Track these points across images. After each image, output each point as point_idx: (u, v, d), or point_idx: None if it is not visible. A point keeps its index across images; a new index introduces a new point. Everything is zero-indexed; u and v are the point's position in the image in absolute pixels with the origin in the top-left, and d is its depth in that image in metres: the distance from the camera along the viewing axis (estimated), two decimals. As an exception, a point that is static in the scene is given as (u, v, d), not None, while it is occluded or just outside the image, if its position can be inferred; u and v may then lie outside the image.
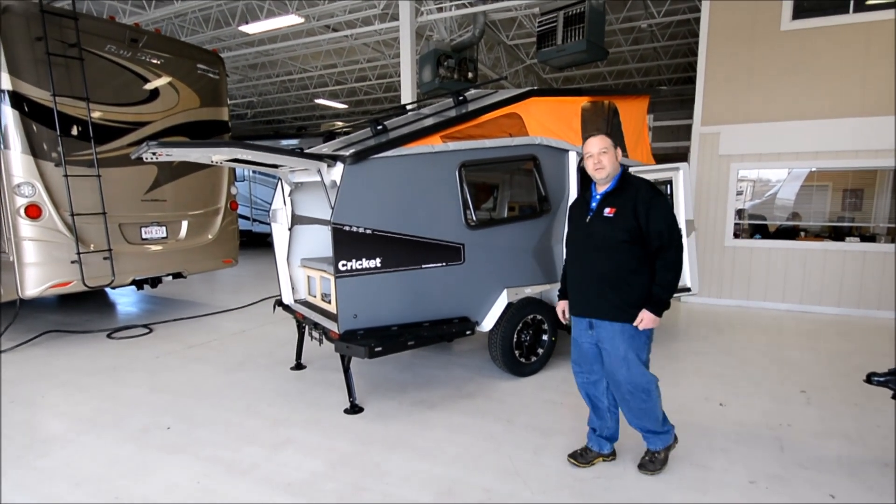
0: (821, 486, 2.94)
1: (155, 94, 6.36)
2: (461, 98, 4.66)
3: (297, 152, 3.67)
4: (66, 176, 5.42)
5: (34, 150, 5.27)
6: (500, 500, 2.80)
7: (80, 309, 7.41)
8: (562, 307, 3.17)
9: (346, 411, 3.90)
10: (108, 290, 7.40)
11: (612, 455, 3.20)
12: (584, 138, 2.88)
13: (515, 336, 4.46)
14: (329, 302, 4.24)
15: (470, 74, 10.75)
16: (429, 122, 4.24)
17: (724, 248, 7.60)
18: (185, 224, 6.73)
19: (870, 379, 3.03)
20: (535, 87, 4.57)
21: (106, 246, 5.76)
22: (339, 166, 3.62)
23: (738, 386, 4.45)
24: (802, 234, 8.32)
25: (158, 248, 6.42)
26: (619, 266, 2.75)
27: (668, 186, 5.42)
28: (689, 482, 2.97)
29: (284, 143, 16.19)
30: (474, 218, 4.14)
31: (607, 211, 2.78)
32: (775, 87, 7.12)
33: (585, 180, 4.98)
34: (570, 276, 3.04)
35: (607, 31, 10.22)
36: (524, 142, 4.39)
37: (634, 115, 5.51)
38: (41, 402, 4.13)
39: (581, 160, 4.72)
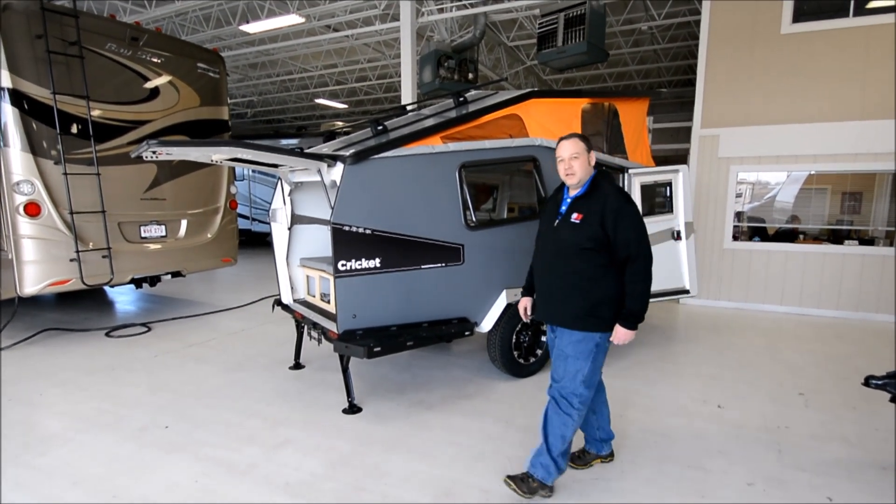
0: (819, 489, 2.95)
1: (155, 92, 6.36)
2: (461, 99, 4.67)
3: (297, 152, 3.67)
4: (65, 174, 5.42)
5: (34, 147, 5.26)
6: (498, 501, 2.80)
7: (79, 307, 7.40)
8: (524, 304, 3.11)
9: (345, 411, 3.89)
10: (106, 288, 7.39)
11: (610, 456, 3.19)
12: (558, 140, 2.76)
13: (514, 337, 4.46)
14: (328, 302, 4.24)
15: (470, 75, 10.76)
16: (429, 122, 4.24)
17: (723, 250, 7.61)
18: (184, 223, 6.72)
19: (868, 382, 3.03)
20: (536, 89, 4.58)
21: (105, 244, 5.75)
22: (340, 166, 3.62)
23: (736, 388, 4.45)
24: (801, 237, 8.33)
25: (157, 246, 6.41)
26: (579, 273, 2.66)
27: (668, 188, 5.43)
28: (687, 484, 2.98)
29: (284, 142, 16.19)
30: (474, 219, 4.15)
31: (574, 216, 2.68)
32: (775, 89, 7.13)
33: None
34: (535, 279, 2.97)
35: (608, 33, 10.24)
36: (524, 143, 4.40)
37: (634, 117, 5.52)
38: (39, 401, 4.12)
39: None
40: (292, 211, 4.67)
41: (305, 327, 4.49)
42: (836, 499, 2.85)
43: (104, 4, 10.34)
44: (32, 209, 5.26)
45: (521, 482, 2.79)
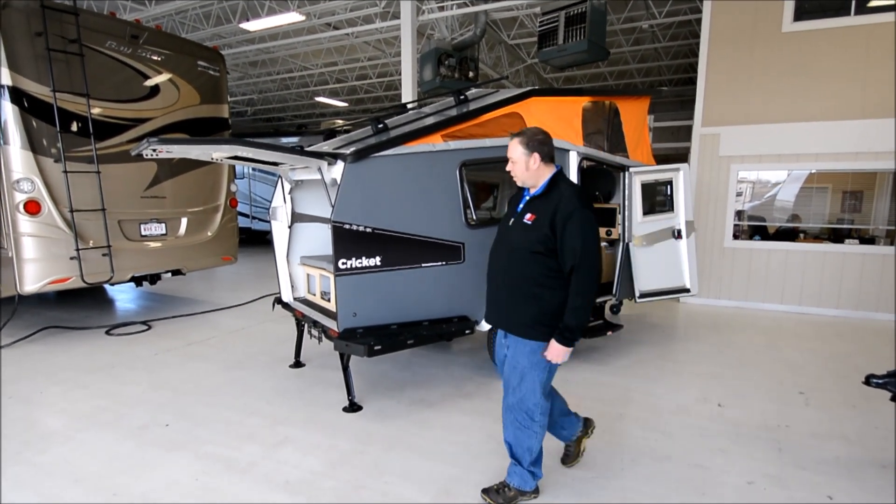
0: (819, 487, 2.95)
1: (155, 90, 6.35)
2: (462, 97, 4.66)
3: (298, 150, 3.66)
4: (65, 172, 5.41)
5: (34, 145, 5.26)
6: (498, 500, 2.80)
7: (79, 305, 7.40)
8: None
9: (345, 410, 3.89)
10: (106, 286, 7.38)
11: (589, 428, 3.10)
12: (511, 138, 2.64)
13: (515, 335, 4.45)
14: (328, 300, 4.23)
15: (471, 73, 10.75)
16: (430, 120, 4.24)
17: (723, 249, 7.61)
18: (184, 221, 6.72)
19: (868, 381, 3.03)
20: (536, 87, 4.57)
21: (105, 242, 5.75)
22: (340, 164, 3.62)
23: (736, 387, 4.45)
24: (802, 235, 8.33)
25: (158, 244, 6.41)
26: (530, 278, 2.51)
27: (668, 187, 5.42)
28: (688, 482, 2.98)
29: (284, 140, 16.18)
30: (474, 217, 4.14)
31: (527, 217, 2.54)
32: (776, 88, 7.12)
33: (585, 180, 5.02)
34: (488, 281, 2.80)
35: (608, 31, 10.21)
36: (525, 141, 4.38)
37: (635, 115, 5.50)
38: (40, 399, 4.12)
39: (582, 160, 4.75)
40: (293, 209, 4.67)
41: (306, 325, 4.49)
42: (836, 497, 2.85)
43: (104, 2, 10.33)
44: (32, 207, 5.26)
45: (497, 493, 2.74)
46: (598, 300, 5.31)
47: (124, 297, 8.20)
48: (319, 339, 4.15)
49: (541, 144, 2.53)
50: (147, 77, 6.25)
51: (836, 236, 8.09)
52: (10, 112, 5.13)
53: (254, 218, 15.67)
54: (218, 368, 4.85)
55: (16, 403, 4.02)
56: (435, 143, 3.92)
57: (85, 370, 4.77)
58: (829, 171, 7.59)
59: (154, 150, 3.29)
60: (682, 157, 11.97)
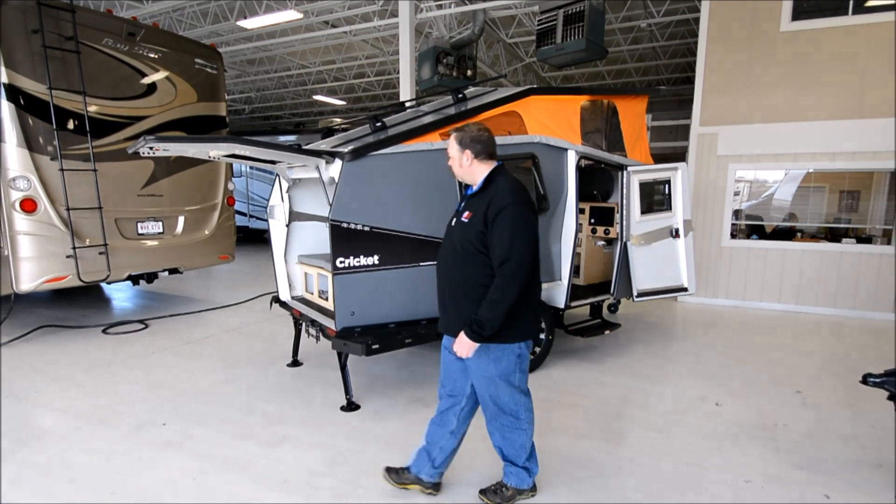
0: (816, 487, 2.95)
1: (152, 88, 6.32)
2: (460, 96, 4.65)
3: (296, 148, 3.64)
4: (61, 170, 5.38)
5: (30, 143, 5.23)
6: (496, 499, 2.80)
7: (75, 304, 7.37)
8: None
9: (343, 409, 3.89)
10: (103, 285, 7.35)
11: (433, 488, 2.79)
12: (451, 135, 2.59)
13: (513, 334, 4.45)
14: (326, 299, 4.22)
15: (469, 72, 10.73)
16: (428, 119, 4.22)
17: (720, 248, 7.62)
18: (181, 219, 6.69)
19: (866, 380, 3.03)
20: (535, 86, 4.56)
21: (102, 241, 5.73)
22: (338, 163, 3.60)
23: (733, 386, 4.46)
24: (799, 234, 8.35)
25: (155, 243, 6.39)
26: (471, 278, 2.41)
27: (667, 186, 5.43)
28: (685, 481, 2.98)
29: (282, 139, 16.14)
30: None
31: (465, 215, 2.46)
32: (774, 87, 7.13)
33: (583, 179, 5.02)
34: (436, 285, 2.68)
35: (606, 30, 10.21)
36: (523, 140, 4.39)
37: (633, 114, 5.50)
38: (36, 398, 4.10)
39: (580, 159, 4.74)
40: (290, 207, 4.65)
41: (303, 324, 4.48)
42: (833, 497, 2.86)
43: (100, 0, 10.29)
44: (28, 205, 5.23)
45: (494, 494, 2.72)
46: (596, 299, 5.31)
47: (121, 295, 8.17)
48: (317, 338, 4.14)
49: (473, 142, 2.47)
50: (144, 75, 6.22)
51: (833, 235, 8.11)
52: (6, 109, 5.10)
53: (251, 216, 15.64)
54: (215, 367, 4.83)
55: (12, 402, 4.00)
56: (433, 141, 3.91)
57: (81, 369, 4.75)
58: (826, 171, 7.59)
59: (151, 148, 3.28)
60: (679, 156, 11.98)
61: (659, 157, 6.18)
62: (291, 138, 16.25)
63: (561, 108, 4.65)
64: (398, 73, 14.61)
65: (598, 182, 5.80)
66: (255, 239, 15.66)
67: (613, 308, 6.58)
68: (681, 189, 5.37)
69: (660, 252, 5.35)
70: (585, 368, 4.82)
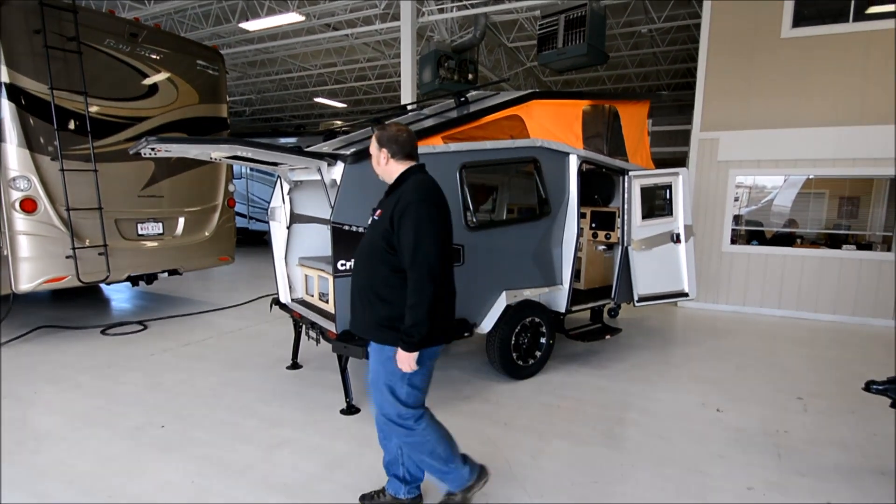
0: (818, 494, 2.94)
1: (153, 89, 6.31)
2: (463, 99, 4.65)
3: (298, 150, 3.64)
4: (62, 170, 5.37)
5: (30, 143, 5.22)
6: (498, 502, 2.78)
7: (74, 304, 7.35)
8: None
9: (343, 412, 3.87)
10: (102, 285, 7.33)
11: (418, 499, 2.72)
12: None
13: (513, 338, 4.44)
14: (327, 301, 4.21)
15: (470, 76, 10.75)
16: (430, 122, 4.22)
17: (721, 253, 7.62)
18: (181, 221, 6.68)
19: (868, 387, 3.03)
20: (538, 90, 4.56)
21: (101, 241, 5.71)
22: (340, 165, 3.60)
23: (735, 392, 4.45)
24: (798, 241, 8.36)
25: (154, 244, 6.37)
26: (379, 277, 2.37)
27: (668, 191, 5.43)
28: (687, 487, 2.96)
29: (283, 141, 16.14)
30: (474, 219, 4.13)
31: (377, 213, 2.46)
32: (775, 93, 7.14)
33: (584, 183, 5.01)
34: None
35: (607, 35, 10.24)
36: (525, 144, 4.38)
37: (635, 119, 5.51)
38: (34, 399, 4.08)
39: (582, 163, 4.74)
40: (291, 210, 4.64)
41: (304, 327, 4.46)
42: (835, 504, 2.85)
43: (103, 0, 10.29)
44: (28, 205, 5.22)
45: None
46: (597, 304, 5.30)
47: (119, 296, 8.15)
48: (317, 341, 4.12)
49: (390, 141, 2.43)
50: (145, 76, 6.22)
51: (834, 242, 8.11)
52: (7, 109, 5.09)
53: (251, 218, 15.62)
54: (214, 369, 4.81)
55: (10, 403, 3.98)
56: (435, 144, 3.91)
57: (80, 370, 4.73)
58: (826, 177, 7.60)
59: (152, 149, 3.27)
60: (679, 161, 11.99)
61: (658, 163, 6.18)
62: (292, 140, 16.28)
63: (563, 112, 4.66)
64: (399, 76, 14.59)
65: (599, 186, 5.79)
66: (255, 241, 15.63)
67: (614, 313, 6.56)
68: (682, 194, 5.37)
69: (661, 257, 5.35)
70: (586, 373, 4.80)
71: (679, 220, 5.40)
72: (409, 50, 9.51)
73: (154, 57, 6.26)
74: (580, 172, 4.71)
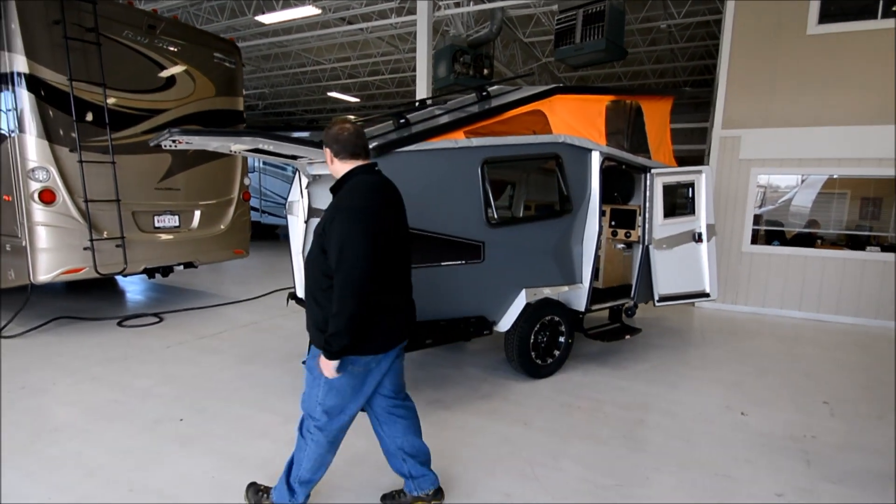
0: (851, 501, 2.85)
1: (171, 81, 6.30)
2: (484, 93, 4.58)
3: (319, 143, 3.58)
4: (80, 162, 5.38)
5: (49, 134, 5.23)
6: (520, 502, 2.73)
7: (89, 296, 7.38)
8: None
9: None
10: (117, 277, 7.36)
11: (437, 494, 2.68)
12: None
13: (532, 337, 4.38)
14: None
15: (486, 71, 10.65)
16: (452, 116, 4.16)
17: (741, 253, 7.49)
18: (197, 214, 6.68)
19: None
20: (561, 84, 4.48)
21: (119, 233, 5.71)
22: (361, 159, 3.54)
23: (758, 395, 4.35)
24: (819, 241, 8.19)
25: (171, 237, 6.37)
26: (314, 280, 2.31)
27: (690, 189, 5.33)
28: (715, 493, 2.89)
29: (295, 135, 16.11)
30: (495, 216, 4.06)
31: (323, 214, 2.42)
32: (799, 91, 6.99)
33: (604, 181, 4.92)
34: None
35: (625, 31, 10.10)
36: (548, 140, 4.31)
37: (658, 115, 5.41)
38: (52, 390, 4.09)
39: (604, 160, 4.66)
40: (309, 204, 4.60)
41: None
42: (869, 513, 2.77)
43: (120, -7, 10.30)
44: (47, 196, 5.23)
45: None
46: (616, 303, 5.22)
47: (134, 288, 8.18)
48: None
49: (332, 141, 2.34)
50: (163, 68, 6.21)
51: (856, 243, 7.93)
52: (26, 100, 5.10)
53: (263, 212, 15.65)
54: (230, 363, 4.80)
55: (29, 394, 3.99)
56: (457, 139, 3.84)
57: (97, 361, 4.73)
58: (851, 177, 7.41)
59: (174, 141, 3.23)
60: (695, 159, 11.80)
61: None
62: (304, 135, 16.25)
63: (586, 107, 4.57)
64: (413, 70, 14.52)
65: (618, 184, 5.69)
66: (267, 235, 15.67)
67: (630, 312, 6.47)
68: (704, 192, 5.27)
69: (682, 256, 5.26)
70: (605, 373, 4.73)
71: (701, 218, 5.30)
72: (424, 44, 9.44)
73: (172, 49, 6.25)
74: (603, 170, 4.62)
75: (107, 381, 4.30)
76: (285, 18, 10.88)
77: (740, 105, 7.29)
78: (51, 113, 5.24)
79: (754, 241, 7.54)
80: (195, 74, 6.55)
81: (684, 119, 15.37)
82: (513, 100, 4.24)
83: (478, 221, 3.96)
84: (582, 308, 4.68)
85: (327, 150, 2.38)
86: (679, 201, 5.35)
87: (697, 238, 5.30)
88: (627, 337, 5.13)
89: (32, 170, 5.15)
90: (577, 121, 4.48)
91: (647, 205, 4.98)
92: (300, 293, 4.73)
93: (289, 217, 4.77)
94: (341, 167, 2.36)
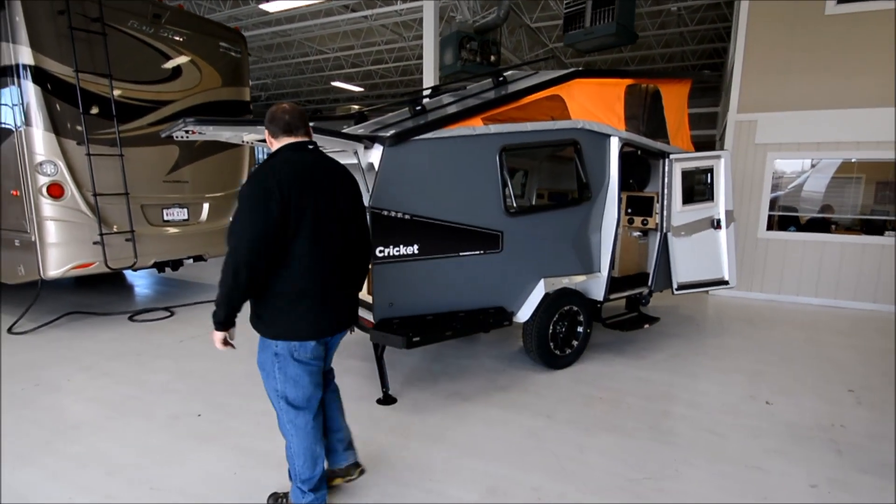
0: (886, 493, 2.79)
1: (177, 72, 6.19)
2: (501, 79, 4.47)
3: (334, 132, 3.49)
4: (88, 155, 5.29)
5: (56, 127, 5.14)
6: (550, 501, 2.67)
7: (99, 291, 7.34)
8: None
9: (379, 402, 3.78)
10: (126, 271, 7.31)
11: (354, 468, 2.69)
12: None
13: (551, 328, 4.31)
14: (360, 289, 4.09)
15: (493, 57, 10.48)
16: (469, 103, 4.05)
17: (756, 239, 7.38)
18: (206, 206, 6.60)
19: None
20: (580, 68, 4.36)
21: (128, 227, 5.65)
22: (378, 148, 3.45)
23: (782, 384, 4.28)
24: (833, 227, 8.06)
25: (180, 230, 6.30)
26: None
27: (708, 175, 5.22)
28: (748, 485, 2.83)
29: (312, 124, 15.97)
30: (514, 204, 3.97)
31: None
32: (817, 73, 6.83)
33: (627, 166, 4.83)
34: None
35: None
36: (566, 125, 4.20)
37: (677, 99, 5.28)
38: (67, 386, 4.04)
39: (623, 146, 4.55)
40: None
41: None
42: (907, 505, 2.70)
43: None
44: (55, 190, 5.15)
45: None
46: (634, 292, 5.13)
47: (142, 282, 8.14)
48: (351, 330, 4.02)
49: (269, 122, 2.31)
50: (169, 58, 6.09)
51: (872, 228, 7.81)
52: (32, 93, 5.00)
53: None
54: (244, 356, 4.69)
55: (44, 391, 3.95)
56: (475, 126, 3.74)
57: (110, 357, 4.69)
58: (870, 161, 7.27)
59: (186, 132, 3.15)
60: (704, 145, 11.65)
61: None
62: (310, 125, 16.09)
63: (605, 91, 4.45)
64: (417, 59, 14.35)
65: (634, 170, 5.58)
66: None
67: (645, 301, 6.39)
68: (724, 178, 5.16)
69: (700, 244, 5.16)
70: (624, 363, 4.66)
71: (720, 205, 5.19)
72: (431, 30, 9.29)
73: (177, 39, 6.13)
74: (622, 155, 4.52)
75: (121, 376, 4.25)
76: (290, 6, 10.71)
77: (756, 88, 7.13)
78: (57, 105, 5.14)
79: (770, 227, 7.43)
80: (201, 64, 6.43)
81: (692, 104, 15.11)
82: (531, 85, 4.12)
83: (496, 210, 3.87)
84: (600, 297, 4.61)
85: (266, 133, 2.34)
86: (697, 187, 5.24)
87: (716, 225, 5.20)
88: (646, 326, 5.06)
89: (40, 164, 5.07)
90: (596, 106, 4.37)
91: (666, 191, 4.88)
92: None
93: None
94: (275, 145, 2.33)
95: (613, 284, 4.98)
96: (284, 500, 2.59)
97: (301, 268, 2.18)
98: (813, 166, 8.30)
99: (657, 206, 5.05)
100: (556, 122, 4.19)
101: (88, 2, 5.24)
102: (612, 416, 3.65)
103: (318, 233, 2.18)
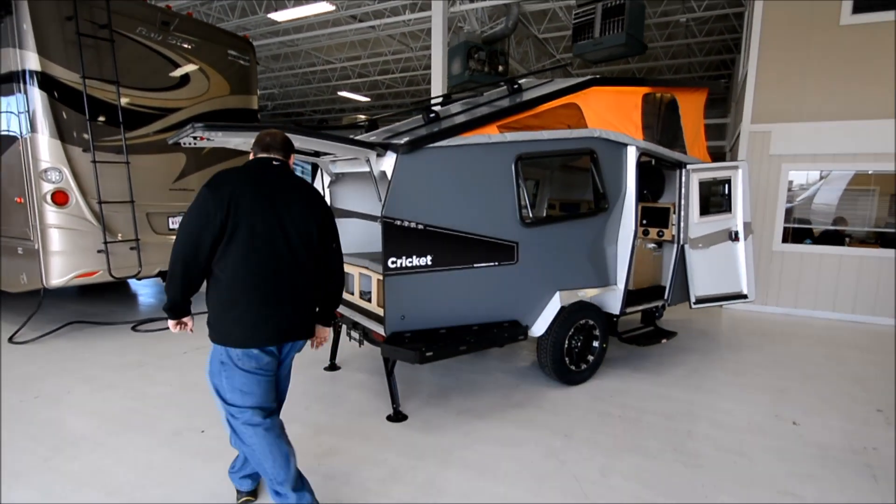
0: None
1: (185, 79, 6.14)
2: (516, 86, 4.37)
3: (347, 139, 3.40)
4: (94, 162, 5.22)
5: (62, 134, 5.07)
6: (574, 528, 2.53)
7: (102, 299, 7.23)
8: None
9: (390, 418, 3.64)
10: (130, 280, 7.21)
11: (250, 496, 2.69)
12: None
13: (566, 342, 4.17)
14: (369, 300, 3.98)
15: (500, 67, 10.45)
16: (484, 110, 3.95)
17: (771, 252, 7.24)
18: (212, 215, 6.50)
19: None
20: (597, 76, 4.26)
21: (133, 235, 5.55)
22: (391, 156, 3.35)
23: (807, 402, 4.12)
24: (848, 239, 7.91)
25: (185, 239, 6.20)
26: None
27: (726, 186, 5.10)
28: (782, 513, 2.68)
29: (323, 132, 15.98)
30: (530, 215, 3.86)
31: None
32: (833, 84, 6.73)
33: (642, 177, 4.71)
34: None
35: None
36: (583, 134, 4.10)
37: (694, 109, 5.18)
38: (67, 399, 3.92)
39: (640, 155, 4.44)
40: (331, 203, 4.42)
41: (343, 326, 4.25)
42: (954, 536, 2.54)
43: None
44: (60, 198, 5.07)
45: None
46: (650, 305, 4.99)
47: (146, 291, 8.03)
48: (360, 342, 3.90)
49: (255, 143, 2.47)
50: (177, 65, 6.05)
51: (889, 241, 7.65)
52: (38, 99, 4.94)
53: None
54: (250, 369, 4.61)
55: (44, 403, 3.82)
56: (491, 134, 3.64)
57: (113, 368, 4.57)
58: (885, 173, 7.14)
59: (195, 138, 3.05)
60: (713, 157, 11.55)
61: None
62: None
63: (622, 100, 4.35)
64: (423, 69, 14.35)
65: (648, 181, 5.47)
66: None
67: (659, 314, 6.25)
68: (742, 189, 5.04)
69: (718, 256, 5.03)
70: (641, 379, 4.51)
71: (738, 216, 5.07)
72: (439, 40, 9.25)
73: (186, 46, 6.09)
74: (639, 165, 4.41)
75: (123, 388, 4.13)
76: (299, 15, 10.73)
77: (770, 99, 7.03)
78: (63, 112, 5.08)
79: (785, 239, 7.28)
80: (209, 72, 6.39)
81: (701, 115, 15.06)
82: (547, 92, 4.03)
83: (512, 221, 3.76)
84: (617, 311, 4.47)
85: (251, 153, 2.49)
86: (714, 199, 5.12)
87: (734, 237, 5.07)
88: (664, 341, 4.91)
89: (45, 170, 4.99)
90: (613, 114, 4.26)
91: (683, 202, 4.76)
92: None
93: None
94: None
95: (629, 298, 4.85)
96: None
97: (229, 278, 2.22)
98: (823, 178, 8.19)
99: (674, 218, 4.93)
100: (573, 130, 4.09)
101: (97, 8, 5.20)
102: (633, 435, 3.50)
103: (255, 245, 2.21)
